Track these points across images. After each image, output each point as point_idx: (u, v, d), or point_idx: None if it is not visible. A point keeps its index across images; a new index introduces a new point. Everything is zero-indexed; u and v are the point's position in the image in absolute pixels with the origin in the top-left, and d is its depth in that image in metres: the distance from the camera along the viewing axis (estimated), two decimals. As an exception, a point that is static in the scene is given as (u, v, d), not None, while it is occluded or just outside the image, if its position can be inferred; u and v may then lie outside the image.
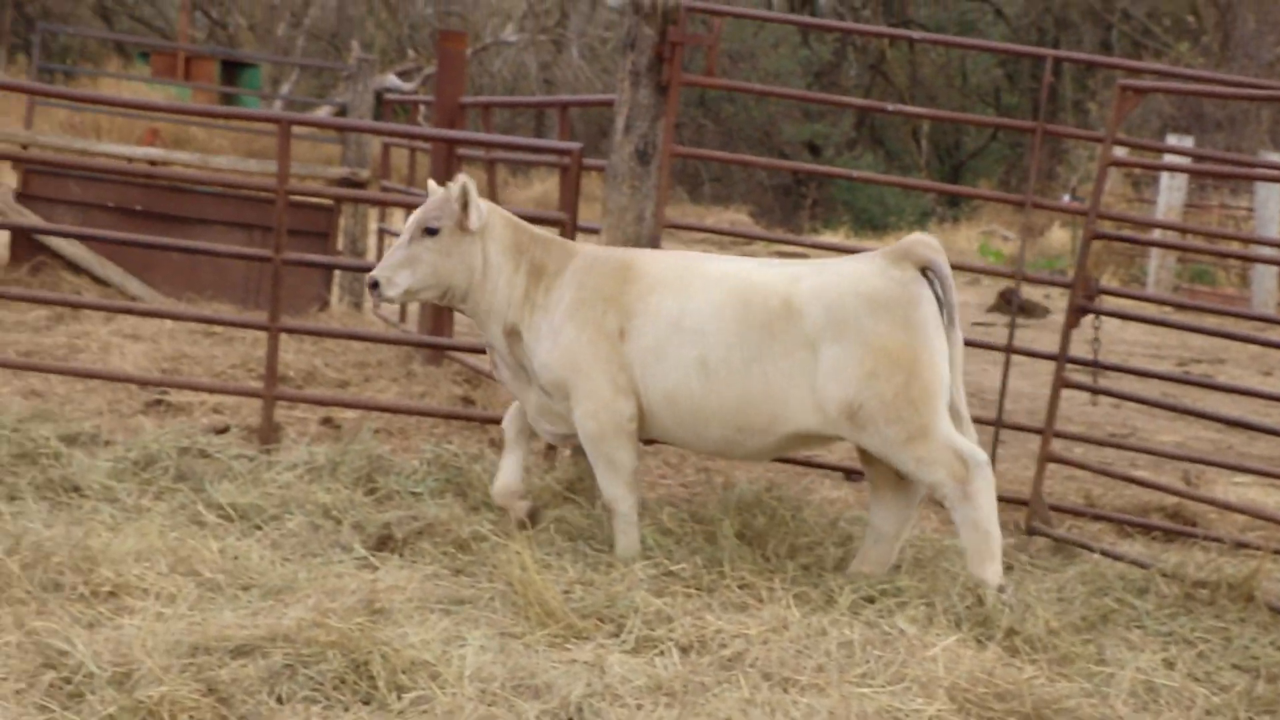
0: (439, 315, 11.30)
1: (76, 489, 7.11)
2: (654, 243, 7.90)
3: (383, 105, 16.08)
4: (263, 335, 11.01)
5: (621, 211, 7.83)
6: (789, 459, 8.50)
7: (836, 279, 6.42)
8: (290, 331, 8.75)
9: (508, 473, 6.96)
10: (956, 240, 28.55)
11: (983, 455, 6.29)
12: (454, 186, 6.64)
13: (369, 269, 7.35)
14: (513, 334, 6.77)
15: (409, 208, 13.32)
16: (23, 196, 14.02)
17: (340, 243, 14.63)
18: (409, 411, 9.02)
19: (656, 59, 7.72)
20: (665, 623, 5.77)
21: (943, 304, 6.34)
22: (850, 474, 8.84)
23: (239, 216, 14.02)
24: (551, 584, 5.94)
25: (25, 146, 14.61)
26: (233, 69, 30.24)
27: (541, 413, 6.86)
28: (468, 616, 5.78)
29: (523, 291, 6.72)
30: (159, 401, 9.47)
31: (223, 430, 8.61)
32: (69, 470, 7.27)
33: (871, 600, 6.23)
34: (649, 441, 7.10)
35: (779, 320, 6.39)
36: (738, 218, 30.73)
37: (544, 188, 29.57)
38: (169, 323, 11.76)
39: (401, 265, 6.65)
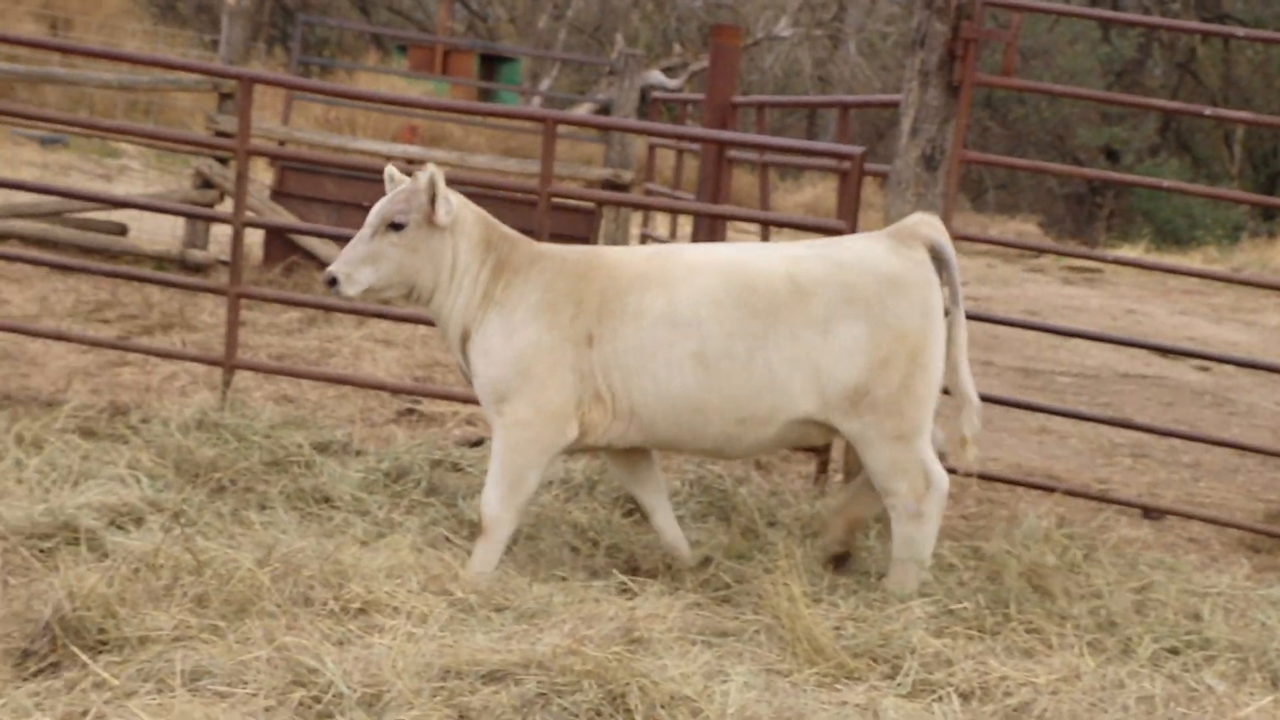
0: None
1: (327, 499, 7.33)
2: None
3: (649, 104, 16.22)
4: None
5: (905, 220, 7.76)
6: (1080, 493, 8.36)
7: (852, 257, 6.49)
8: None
9: (670, 534, 6.95)
10: (1273, 257, 27.57)
11: (945, 479, 6.49)
12: (422, 177, 6.54)
13: None
14: (466, 337, 6.68)
15: (674, 212, 13.51)
16: (278, 194, 14.53)
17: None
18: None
19: (948, 57, 7.64)
20: (945, 666, 5.69)
21: (948, 286, 6.50)
22: (1149, 511, 8.61)
23: (498, 218, 14.27)
24: (821, 619, 5.90)
25: (281, 143, 15.12)
26: (491, 63, 30.82)
27: None
28: (731, 650, 5.78)
29: (484, 290, 6.62)
30: (411, 410, 9.70)
31: (476, 443, 8.77)
32: (320, 480, 7.49)
33: (1175, 652, 6.06)
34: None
35: (786, 302, 6.40)
36: (1025, 228, 30.24)
37: (815, 192, 29.51)
38: (422, 328, 12.04)
39: (364, 261, 6.52)
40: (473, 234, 6.63)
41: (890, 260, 6.46)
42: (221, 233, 15.09)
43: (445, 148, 22.43)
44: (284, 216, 13.89)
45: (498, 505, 6.53)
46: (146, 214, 14.61)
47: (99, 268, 10.01)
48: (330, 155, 14.83)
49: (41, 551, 6.07)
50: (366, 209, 14.31)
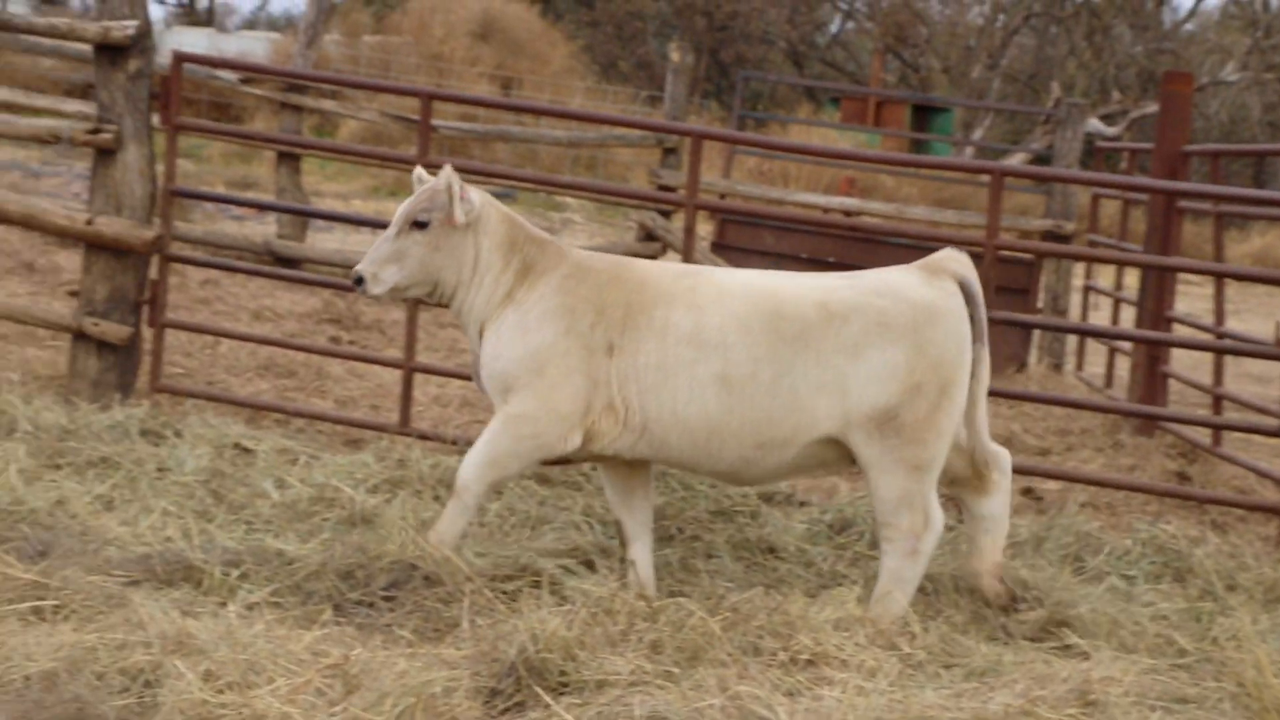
0: (1151, 381, 11.04)
1: (772, 550, 7.39)
2: None
3: (1094, 153, 15.88)
4: (958, 397, 11.10)
5: (1376, 272, 7.39)
6: None
7: (885, 286, 6.48)
8: (993, 394, 8.74)
9: (644, 570, 6.76)
10: None
11: (942, 520, 6.46)
12: (441, 178, 6.53)
13: (1075, 330, 7.09)
14: (483, 333, 6.64)
15: (1121, 264, 13.18)
16: (718, 246, 14.78)
17: (1040, 300, 14.56)
18: (1119, 486, 8.84)
19: None
20: None
21: (974, 321, 6.48)
22: None
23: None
24: (1290, 690, 5.64)
25: (722, 196, 15.38)
26: (924, 113, 30.74)
27: None
28: (1192, 718, 5.57)
29: (507, 289, 6.60)
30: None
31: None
32: (765, 530, 7.57)
33: None
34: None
35: (815, 327, 6.38)
36: None
37: (1263, 242, 28.43)
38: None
39: (389, 260, 6.57)
40: (496, 233, 6.66)
41: (925, 290, 6.45)
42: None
43: (876, 198, 22.43)
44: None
45: (472, 474, 6.53)
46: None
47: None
48: (769, 208, 15.03)
49: (505, 593, 6.29)
50: (804, 261, 14.52)
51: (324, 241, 17.72)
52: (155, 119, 9.17)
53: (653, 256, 14.55)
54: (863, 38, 43.13)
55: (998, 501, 6.75)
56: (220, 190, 18.77)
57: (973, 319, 6.51)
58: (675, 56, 14.88)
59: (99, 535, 6.69)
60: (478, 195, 6.68)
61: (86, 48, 9.76)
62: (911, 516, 6.42)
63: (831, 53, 43.47)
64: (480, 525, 7.22)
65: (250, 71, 15.91)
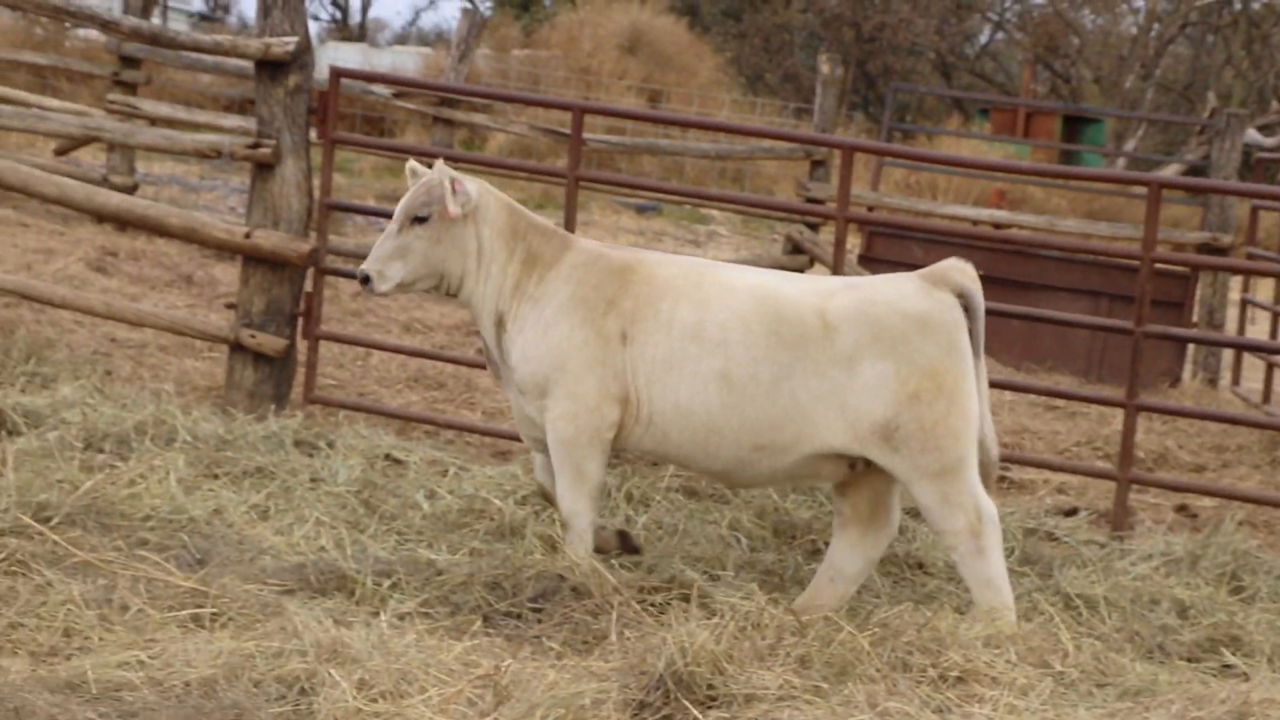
0: (1310, 397, 10.83)
1: (920, 565, 7.35)
2: None
3: (1253, 164, 15.58)
4: (1109, 411, 10.98)
5: None
6: None
7: (879, 296, 6.45)
8: (1147, 410, 8.62)
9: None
10: None
11: (994, 509, 6.42)
12: (434, 172, 6.58)
13: (1232, 344, 6.82)
14: (499, 325, 6.71)
15: None
16: (865, 259, 14.72)
17: (1196, 313, 14.32)
18: (1277, 504, 8.64)
19: None
20: None
21: (972, 335, 6.42)
22: None
23: (1084, 283, 14.04)
24: None
25: (870, 208, 15.30)
26: (1074, 124, 30.34)
27: (526, 415, 6.79)
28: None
29: (515, 281, 6.68)
30: (1002, 478, 9.61)
31: (1071, 512, 8.61)
32: (912, 546, 7.53)
33: None
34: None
35: (813, 337, 6.38)
36: None
37: None
38: (1008, 394, 11.91)
39: (392, 256, 6.69)
40: (497, 221, 6.75)
41: (919, 300, 6.40)
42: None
43: (1028, 210, 22.19)
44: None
45: (568, 499, 6.67)
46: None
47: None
48: (918, 220, 14.94)
49: (652, 606, 6.29)
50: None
51: (473, 254, 17.84)
52: (312, 133, 9.30)
53: (800, 269, 14.54)
54: (1013, 48, 42.69)
55: (860, 561, 6.68)
56: (370, 203, 19.01)
57: (971, 333, 6.46)
58: (824, 68, 14.85)
59: (255, 544, 6.82)
60: (474, 185, 6.79)
61: (245, 63, 9.93)
62: (964, 516, 6.39)
63: (981, 63, 43.04)
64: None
65: (405, 86, 16.10)
